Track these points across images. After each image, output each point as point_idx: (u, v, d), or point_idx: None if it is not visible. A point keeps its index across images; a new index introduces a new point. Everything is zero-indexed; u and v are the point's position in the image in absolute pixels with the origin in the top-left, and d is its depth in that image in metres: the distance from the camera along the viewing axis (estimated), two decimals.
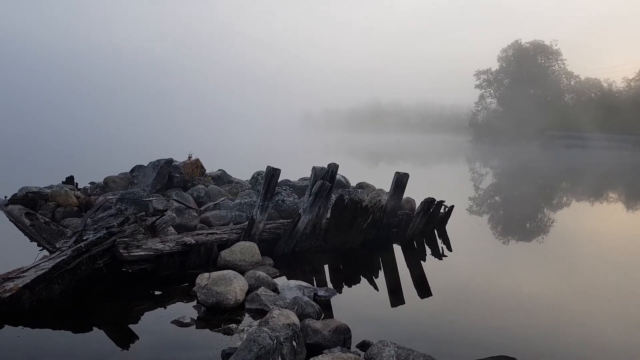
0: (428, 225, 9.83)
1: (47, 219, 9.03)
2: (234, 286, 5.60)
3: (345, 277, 7.19)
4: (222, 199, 10.20)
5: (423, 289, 6.83)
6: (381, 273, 7.47)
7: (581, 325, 5.72)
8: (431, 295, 6.55)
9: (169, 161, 11.28)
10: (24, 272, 5.58)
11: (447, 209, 10.43)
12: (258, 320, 5.05)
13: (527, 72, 72.44)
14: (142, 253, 6.30)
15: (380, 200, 9.36)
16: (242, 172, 14.12)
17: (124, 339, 4.85)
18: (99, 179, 12.01)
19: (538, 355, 4.79)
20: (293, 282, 6.13)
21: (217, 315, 5.35)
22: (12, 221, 9.67)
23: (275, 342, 3.86)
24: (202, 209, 9.52)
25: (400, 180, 8.99)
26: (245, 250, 7.03)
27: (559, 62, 74.32)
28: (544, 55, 74.11)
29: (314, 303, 5.41)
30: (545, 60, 74.35)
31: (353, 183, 12.86)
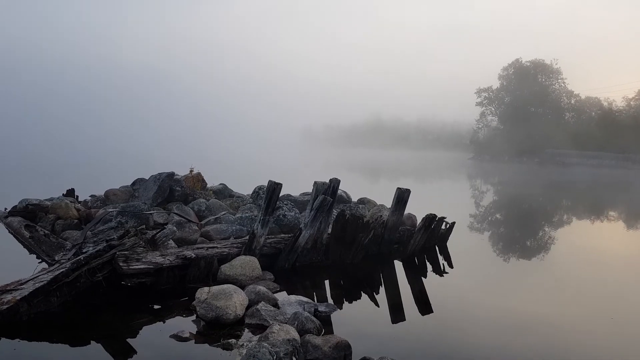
0: (429, 241, 9.80)
1: (46, 232, 8.99)
2: (233, 301, 5.56)
3: (346, 293, 7.15)
4: (223, 213, 10.17)
5: (424, 305, 6.78)
6: (382, 289, 7.43)
7: (582, 343, 5.67)
8: (432, 311, 6.51)
9: (171, 175, 11.28)
10: (22, 284, 5.55)
11: (448, 225, 10.40)
12: (258, 336, 5.00)
13: (527, 90, 72.76)
14: (142, 266, 6.27)
15: (381, 216, 9.34)
16: (243, 186, 14.10)
17: (123, 353, 4.81)
18: (100, 192, 11.99)
19: None
20: (293, 297, 6.08)
21: (217, 330, 5.30)
22: (12, 233, 9.64)
23: (274, 357, 3.82)
24: (202, 222, 9.49)
25: (402, 196, 8.97)
26: (246, 264, 7.00)
27: (560, 80, 74.73)
28: (544, 74, 74.50)
29: (314, 318, 5.37)
30: (546, 79, 74.73)
31: (354, 198, 12.83)
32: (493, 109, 79.01)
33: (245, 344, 4.89)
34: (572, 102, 75.43)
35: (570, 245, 12.64)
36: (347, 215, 8.40)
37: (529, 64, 75.03)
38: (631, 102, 71.35)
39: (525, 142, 66.64)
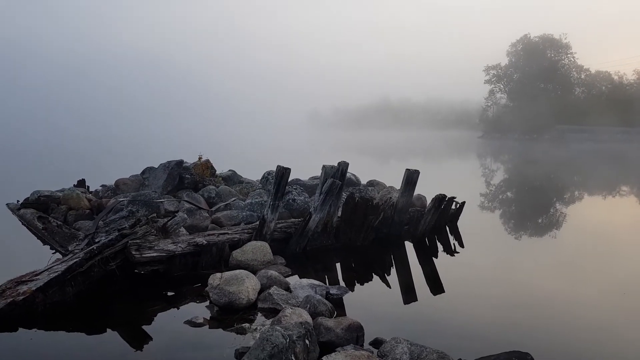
0: (439, 221, 9.78)
1: (59, 222, 9.09)
2: (246, 286, 5.60)
3: (357, 275, 7.17)
4: (233, 199, 10.21)
5: (435, 285, 6.79)
6: (393, 270, 7.45)
7: (594, 319, 5.66)
8: (444, 291, 6.52)
9: (180, 162, 11.32)
10: (37, 275, 5.62)
11: (458, 205, 10.37)
12: (271, 319, 5.04)
13: (536, 66, 71.86)
14: (154, 254, 6.32)
15: (391, 198, 9.32)
16: (252, 172, 14.13)
17: (138, 339, 4.87)
18: (110, 182, 12.07)
19: (552, 350, 4.75)
20: (305, 281, 6.11)
21: (230, 314, 5.35)
22: (25, 225, 9.75)
23: (288, 340, 3.85)
24: (213, 209, 9.54)
25: (411, 177, 8.95)
26: (257, 249, 7.03)
27: (569, 55, 73.73)
28: (553, 49, 73.53)
29: (326, 301, 5.40)
30: (555, 54, 73.77)
31: (363, 181, 12.83)
32: (502, 87, 78.28)
33: (258, 328, 4.94)
34: (582, 76, 74.51)
35: (582, 221, 12.57)
36: (357, 198, 8.40)
37: (537, 39, 74.05)
38: None
39: (535, 119, 66.02)
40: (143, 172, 12.14)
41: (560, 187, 20.06)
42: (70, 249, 6.88)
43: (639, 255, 8.60)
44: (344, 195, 9.11)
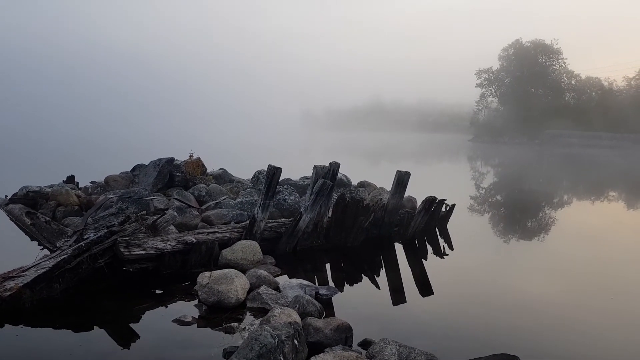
0: (429, 223, 9.81)
1: (47, 218, 9.02)
2: (235, 285, 5.59)
3: (347, 276, 7.17)
4: (223, 197, 10.19)
5: (425, 287, 6.81)
6: (383, 272, 7.46)
7: (582, 322, 5.70)
8: (433, 293, 6.53)
9: (170, 160, 11.27)
10: (24, 271, 5.57)
11: (448, 207, 10.42)
12: (259, 319, 5.03)
13: (527, 71, 72.37)
14: (143, 252, 6.29)
15: (381, 199, 9.35)
16: (243, 171, 14.10)
17: (125, 338, 4.84)
18: (100, 178, 12.00)
19: (540, 352, 4.78)
20: (294, 281, 6.11)
21: (219, 314, 5.33)
22: (13, 220, 9.67)
23: (276, 340, 3.84)
24: (203, 207, 9.51)
25: (402, 179, 8.97)
26: (247, 249, 7.02)
27: (560, 61, 74.33)
28: (544, 54, 74.08)
29: (315, 302, 5.40)
30: (546, 59, 74.32)
31: (354, 182, 12.84)
32: (493, 90, 78.73)
33: (247, 327, 4.93)
34: (573, 82, 75.09)
35: (570, 225, 12.66)
36: (347, 199, 8.41)
37: (529, 44, 74.58)
38: (632, 82, 71.11)
39: (525, 124, 66.49)
40: (133, 169, 12.09)
41: (548, 191, 20.19)
42: (58, 245, 6.82)
43: (626, 258, 8.67)
44: (335, 195, 9.11)
